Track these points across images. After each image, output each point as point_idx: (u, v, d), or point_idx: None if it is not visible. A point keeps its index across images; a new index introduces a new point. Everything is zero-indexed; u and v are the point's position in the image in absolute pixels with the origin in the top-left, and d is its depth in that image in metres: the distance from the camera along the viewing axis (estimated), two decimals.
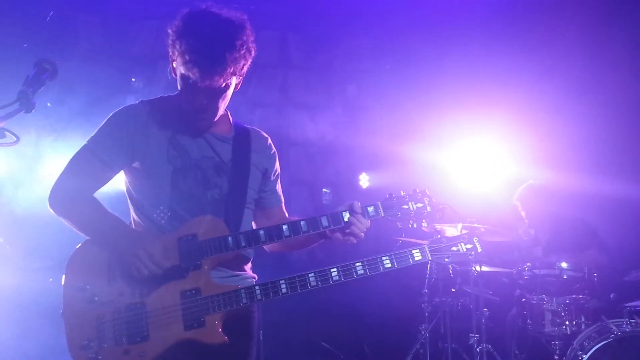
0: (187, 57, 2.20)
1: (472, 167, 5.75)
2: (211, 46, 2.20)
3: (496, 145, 5.76)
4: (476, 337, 4.80)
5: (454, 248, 2.47)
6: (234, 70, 2.25)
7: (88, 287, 2.25)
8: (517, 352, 4.84)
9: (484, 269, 4.87)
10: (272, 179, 2.57)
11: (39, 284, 4.66)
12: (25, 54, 4.95)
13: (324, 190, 6.36)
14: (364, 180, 6.46)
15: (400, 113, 6.13)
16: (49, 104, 4.88)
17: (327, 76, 6.64)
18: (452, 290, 5.21)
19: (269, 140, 2.61)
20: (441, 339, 5.16)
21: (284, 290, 2.30)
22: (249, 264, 2.52)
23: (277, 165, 2.62)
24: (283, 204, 2.65)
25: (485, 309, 4.85)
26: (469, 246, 2.49)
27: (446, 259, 2.46)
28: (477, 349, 4.77)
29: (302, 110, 6.55)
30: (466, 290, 5.11)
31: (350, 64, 6.57)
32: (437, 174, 5.70)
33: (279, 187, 2.63)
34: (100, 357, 2.19)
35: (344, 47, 6.53)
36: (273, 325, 5.26)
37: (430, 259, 2.44)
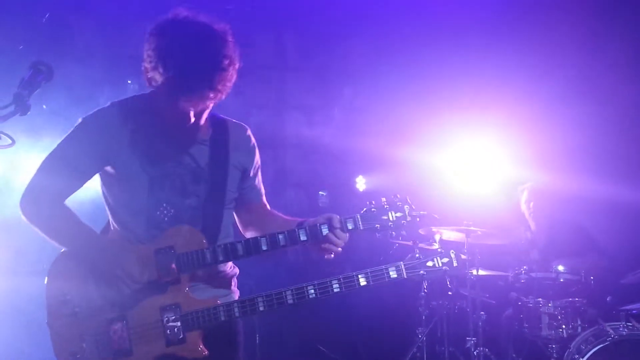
0: (175, 83, 2.12)
1: (470, 170, 5.74)
2: (201, 74, 2.12)
3: (493, 147, 5.75)
4: (473, 340, 4.79)
5: (430, 263, 2.45)
6: (223, 92, 2.20)
7: (69, 298, 2.24)
8: (514, 355, 4.84)
9: (481, 272, 4.86)
10: (251, 175, 2.53)
11: (31, 288, 4.64)
12: (21, 56, 4.92)
13: (320, 192, 6.34)
14: (361, 183, 6.44)
15: (397, 115, 6.12)
16: (44, 106, 4.86)
17: (324, 78, 6.62)
18: (449, 293, 5.20)
19: (248, 131, 2.54)
20: (438, 343, 5.15)
21: (261, 308, 2.31)
22: (229, 263, 2.48)
23: (257, 157, 2.55)
24: (263, 197, 2.61)
25: (482, 312, 4.85)
26: (445, 260, 2.47)
27: (421, 272, 2.44)
28: (474, 352, 4.76)
29: (298, 112, 6.54)
30: (463, 294, 5.10)
31: (347, 66, 6.56)
32: (434, 177, 5.70)
33: (258, 180, 2.59)
34: None
35: (341, 48, 6.52)
36: (269, 329, 5.24)
37: (405, 277, 2.42)
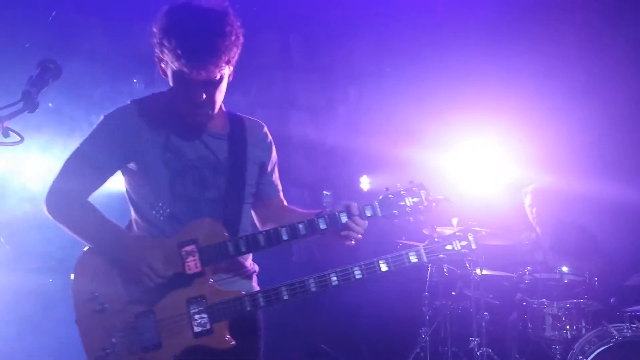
0: (179, 52, 2.16)
1: (474, 170, 5.74)
2: (202, 37, 2.17)
3: (498, 148, 5.75)
4: (476, 340, 4.79)
5: (449, 247, 2.48)
6: (227, 58, 2.24)
7: (97, 294, 2.28)
8: (517, 356, 4.84)
9: (485, 272, 4.86)
10: (268, 170, 2.58)
11: (29, 285, 4.69)
12: (27, 54, 4.95)
13: (324, 192, 6.35)
14: (365, 183, 6.45)
15: (402, 115, 6.12)
16: (50, 104, 4.88)
17: (329, 78, 6.63)
18: (453, 293, 5.20)
19: (265, 128, 2.60)
20: (441, 343, 5.15)
21: (285, 297, 2.34)
22: (250, 258, 2.54)
23: (274, 153, 2.60)
24: (281, 193, 2.66)
25: (486, 313, 4.84)
26: (463, 243, 2.49)
27: (440, 255, 2.46)
28: (478, 353, 4.76)
29: (303, 112, 6.54)
30: (467, 294, 5.09)
31: (351, 66, 6.56)
32: (438, 177, 5.68)
33: (275, 176, 2.63)
34: None
35: (346, 49, 6.52)
36: (272, 328, 5.24)
37: (426, 260, 2.45)
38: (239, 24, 2.27)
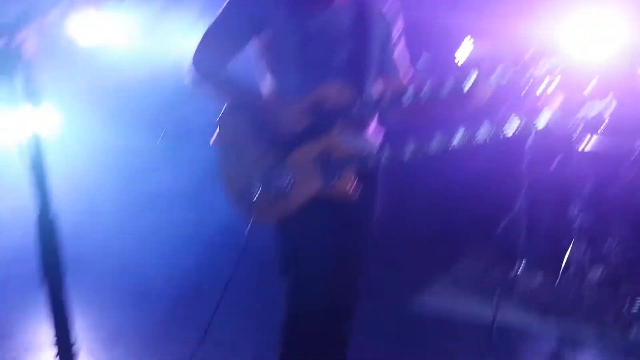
0: None
1: (586, 37, 5.39)
2: None
3: (610, 11, 5.32)
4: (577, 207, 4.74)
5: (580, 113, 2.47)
6: None
7: (236, 145, 2.61)
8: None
9: (590, 146, 4.73)
10: (389, 47, 2.73)
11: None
12: None
13: (424, 54, 6.18)
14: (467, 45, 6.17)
15: None
16: None
17: None
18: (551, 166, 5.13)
19: (387, 5, 2.74)
20: (539, 210, 5.20)
21: (407, 156, 2.56)
22: (375, 122, 2.74)
23: (397, 28, 2.74)
24: (401, 73, 2.79)
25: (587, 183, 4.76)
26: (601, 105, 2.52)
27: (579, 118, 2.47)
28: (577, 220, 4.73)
29: None
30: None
31: None
32: (549, 42, 5.40)
33: (398, 56, 2.78)
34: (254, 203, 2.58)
35: None
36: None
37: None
38: None
